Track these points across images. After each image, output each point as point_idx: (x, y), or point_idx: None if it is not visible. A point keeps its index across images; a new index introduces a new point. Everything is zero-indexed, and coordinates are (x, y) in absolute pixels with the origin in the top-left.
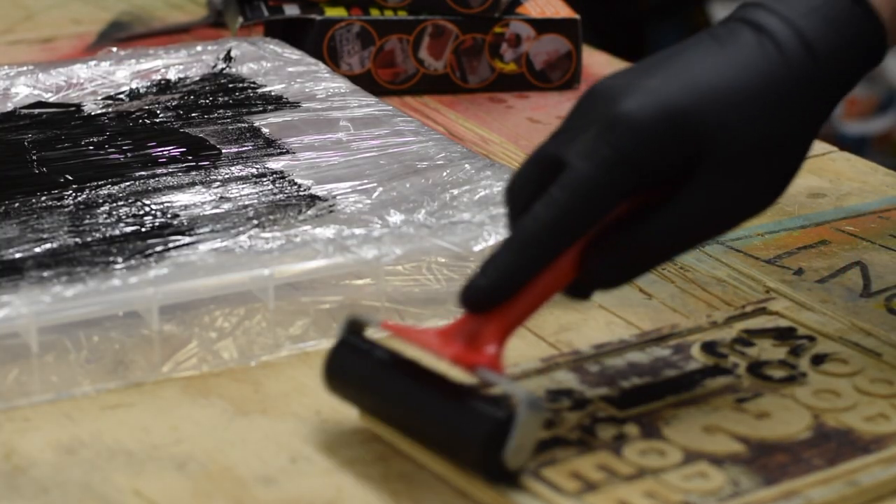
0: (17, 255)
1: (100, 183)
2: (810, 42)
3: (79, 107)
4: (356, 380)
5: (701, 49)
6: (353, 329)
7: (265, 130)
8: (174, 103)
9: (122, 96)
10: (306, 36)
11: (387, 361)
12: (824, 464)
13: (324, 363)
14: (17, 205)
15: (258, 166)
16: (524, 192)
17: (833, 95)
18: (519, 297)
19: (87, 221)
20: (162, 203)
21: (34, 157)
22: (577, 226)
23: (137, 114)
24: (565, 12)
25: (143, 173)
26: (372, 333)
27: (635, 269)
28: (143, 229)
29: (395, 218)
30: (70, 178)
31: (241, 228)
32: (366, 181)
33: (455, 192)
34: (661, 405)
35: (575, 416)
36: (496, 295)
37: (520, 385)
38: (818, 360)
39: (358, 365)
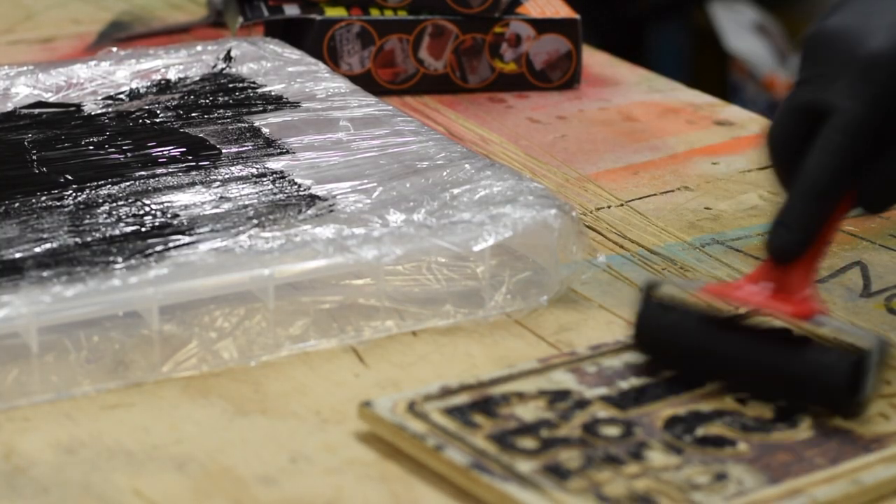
0: (17, 255)
1: (100, 183)
2: None
3: (79, 107)
4: (680, 341)
5: None
6: (652, 291)
7: (265, 130)
8: (174, 103)
9: (122, 96)
10: (306, 36)
11: (710, 321)
12: (827, 463)
13: (636, 328)
14: (16, 205)
15: (258, 166)
16: (788, 142)
17: None
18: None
19: (86, 221)
20: (162, 203)
21: (34, 157)
22: (858, 164)
23: (137, 114)
24: (565, 12)
25: (142, 173)
26: (667, 294)
27: None
28: (143, 229)
29: (395, 218)
30: (70, 178)
31: (241, 228)
32: (366, 181)
33: (455, 191)
34: (662, 405)
35: (577, 415)
36: (804, 244)
37: (860, 327)
38: None
39: (677, 327)
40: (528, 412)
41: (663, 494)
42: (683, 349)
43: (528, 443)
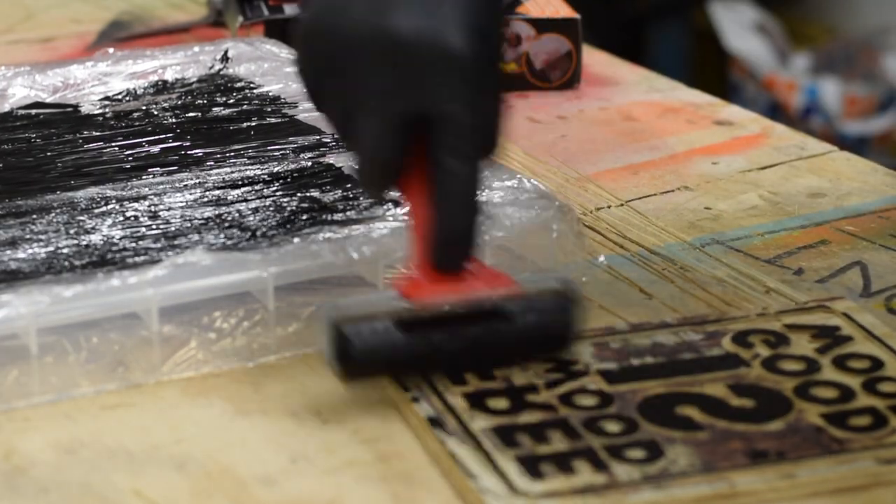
0: (16, 256)
1: (97, 184)
2: None
3: (76, 107)
4: (387, 355)
5: None
6: (341, 322)
7: (265, 131)
8: (172, 104)
9: (119, 97)
10: None
11: (406, 324)
12: (773, 454)
13: (340, 359)
14: (14, 206)
15: (258, 167)
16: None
17: None
18: None
19: (85, 222)
20: (159, 204)
21: (31, 158)
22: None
23: (135, 114)
24: (565, 12)
25: (140, 174)
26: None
27: None
28: (142, 230)
29: (395, 218)
30: (68, 178)
31: (240, 230)
32: None
33: None
34: (654, 384)
35: (565, 385)
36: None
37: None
38: (841, 359)
39: (382, 343)
40: (522, 377)
41: (585, 460)
42: (396, 360)
43: (500, 403)
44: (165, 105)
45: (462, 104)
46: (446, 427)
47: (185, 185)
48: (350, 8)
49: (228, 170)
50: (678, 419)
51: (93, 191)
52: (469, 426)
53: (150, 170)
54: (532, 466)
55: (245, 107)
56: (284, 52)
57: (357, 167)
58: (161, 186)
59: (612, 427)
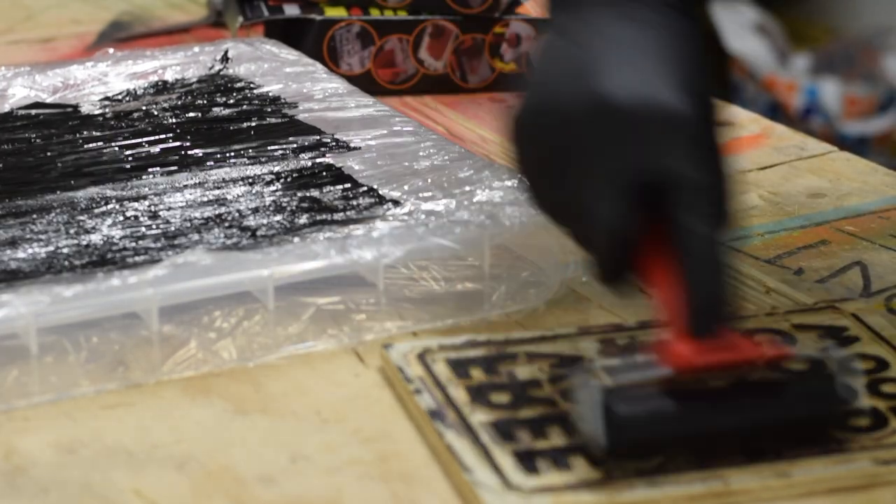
0: (16, 256)
1: (97, 184)
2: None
3: (76, 108)
4: (663, 431)
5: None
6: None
7: (265, 131)
8: (172, 104)
9: (119, 97)
10: (306, 36)
11: (674, 393)
12: (769, 454)
13: (609, 447)
14: (14, 206)
15: (257, 168)
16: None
17: None
18: None
19: (85, 222)
20: (159, 204)
21: (31, 158)
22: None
23: (135, 115)
24: None
25: (140, 174)
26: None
27: None
28: (142, 230)
29: (394, 219)
30: (68, 178)
31: (240, 230)
32: (364, 182)
33: (454, 192)
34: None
35: (567, 380)
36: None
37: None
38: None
39: (648, 413)
40: (526, 372)
41: (581, 456)
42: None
43: (501, 398)
44: (165, 105)
45: (693, 164)
46: (446, 420)
47: (185, 185)
48: (560, 85)
49: (228, 170)
50: None
51: (93, 191)
52: (468, 419)
53: (150, 170)
54: (528, 461)
55: (245, 107)
56: (284, 53)
57: (595, 249)
58: (161, 186)
59: None
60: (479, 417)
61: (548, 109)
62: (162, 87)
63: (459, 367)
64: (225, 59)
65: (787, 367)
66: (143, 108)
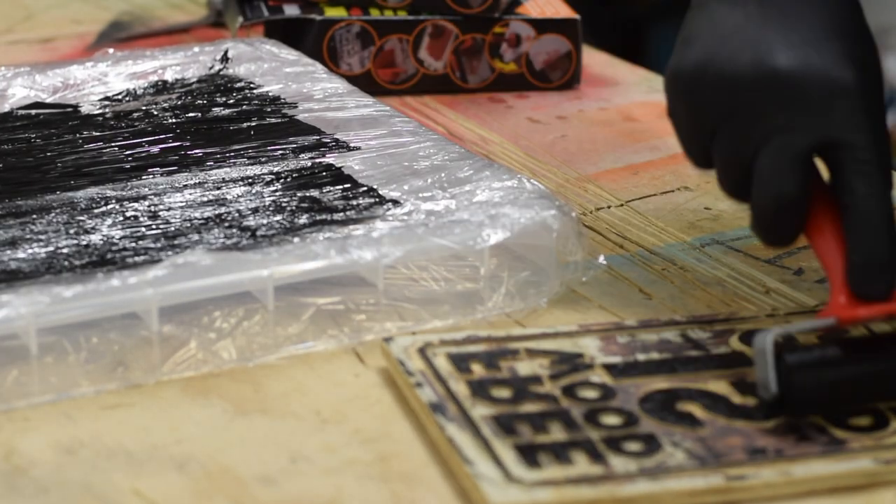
0: (16, 256)
1: (97, 184)
2: None
3: (76, 108)
4: (833, 381)
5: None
6: (781, 346)
7: (265, 131)
8: (172, 104)
9: (119, 97)
10: (306, 36)
11: (850, 349)
12: (771, 451)
13: (786, 390)
14: (14, 206)
15: (257, 168)
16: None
17: None
18: None
19: (85, 222)
20: (159, 204)
21: (31, 159)
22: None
23: (135, 115)
24: (565, 12)
25: (140, 174)
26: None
27: None
28: (142, 230)
29: (394, 219)
30: (68, 178)
31: (240, 230)
32: (363, 182)
33: (454, 192)
34: (656, 380)
35: (568, 377)
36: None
37: None
38: None
39: (826, 369)
40: (526, 367)
41: (582, 451)
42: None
43: (502, 392)
44: (165, 105)
45: (864, 132)
46: (447, 413)
47: (185, 185)
48: (732, 53)
49: (228, 170)
50: (679, 414)
51: (93, 191)
52: (469, 413)
53: (150, 170)
54: (529, 455)
55: (245, 107)
56: (284, 53)
57: (760, 211)
58: (161, 186)
59: (612, 420)
60: (481, 411)
61: (713, 71)
62: (162, 87)
63: (460, 362)
64: (225, 59)
65: None
66: (143, 108)
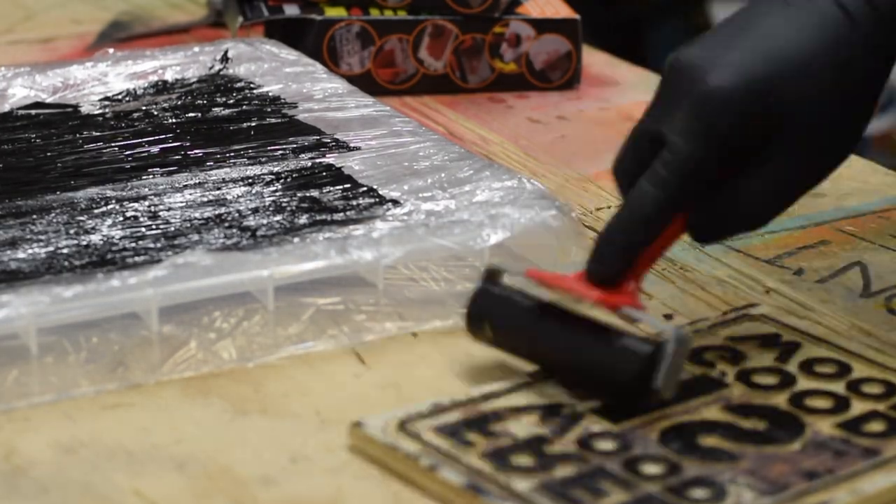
0: (16, 256)
1: (97, 184)
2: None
3: (76, 108)
4: (502, 323)
5: (772, 15)
6: (491, 277)
7: (265, 131)
8: (172, 104)
9: (119, 97)
10: (306, 36)
11: (532, 306)
12: (824, 472)
13: (467, 308)
14: (14, 206)
15: (257, 168)
16: (630, 169)
17: (893, 48)
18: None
19: (85, 222)
20: (159, 204)
21: (31, 159)
22: (681, 198)
23: (135, 115)
24: (565, 12)
25: (140, 174)
26: (510, 281)
27: (732, 230)
28: (142, 230)
29: (394, 219)
30: (68, 179)
31: (240, 230)
32: (363, 182)
33: (454, 192)
34: (653, 418)
35: (571, 430)
36: (621, 271)
37: (663, 320)
38: (806, 365)
39: (502, 309)
40: (522, 428)
41: None
42: (506, 331)
43: (523, 460)
44: (165, 105)
45: (685, 138)
46: (490, 493)
47: (185, 185)
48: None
49: (228, 170)
50: (709, 451)
51: (93, 191)
52: (514, 488)
53: (149, 170)
54: None
55: (245, 107)
56: (284, 53)
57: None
58: (161, 186)
59: (654, 469)
60: (522, 484)
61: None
62: (162, 87)
63: (453, 434)
64: (225, 59)
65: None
66: (143, 108)
